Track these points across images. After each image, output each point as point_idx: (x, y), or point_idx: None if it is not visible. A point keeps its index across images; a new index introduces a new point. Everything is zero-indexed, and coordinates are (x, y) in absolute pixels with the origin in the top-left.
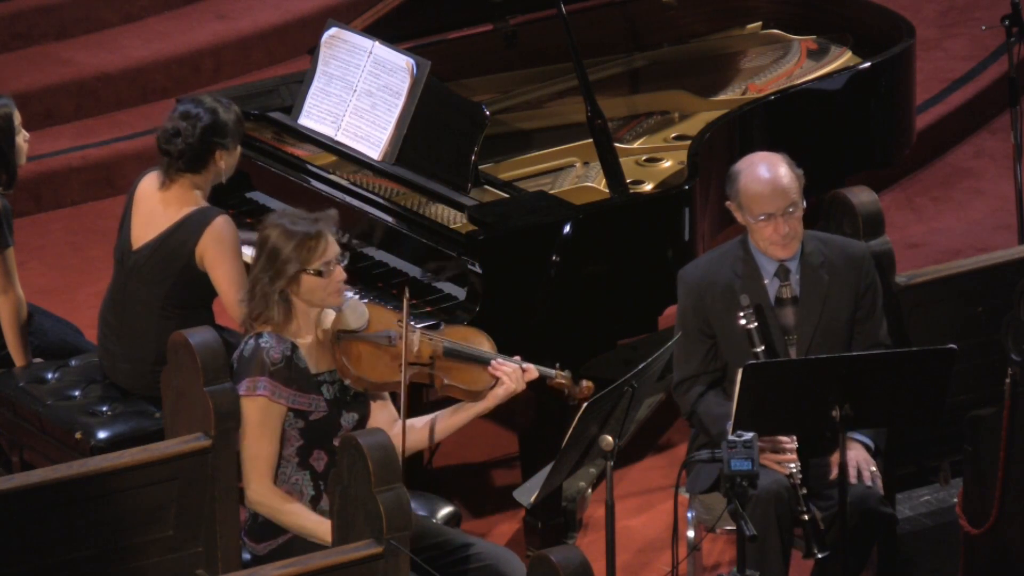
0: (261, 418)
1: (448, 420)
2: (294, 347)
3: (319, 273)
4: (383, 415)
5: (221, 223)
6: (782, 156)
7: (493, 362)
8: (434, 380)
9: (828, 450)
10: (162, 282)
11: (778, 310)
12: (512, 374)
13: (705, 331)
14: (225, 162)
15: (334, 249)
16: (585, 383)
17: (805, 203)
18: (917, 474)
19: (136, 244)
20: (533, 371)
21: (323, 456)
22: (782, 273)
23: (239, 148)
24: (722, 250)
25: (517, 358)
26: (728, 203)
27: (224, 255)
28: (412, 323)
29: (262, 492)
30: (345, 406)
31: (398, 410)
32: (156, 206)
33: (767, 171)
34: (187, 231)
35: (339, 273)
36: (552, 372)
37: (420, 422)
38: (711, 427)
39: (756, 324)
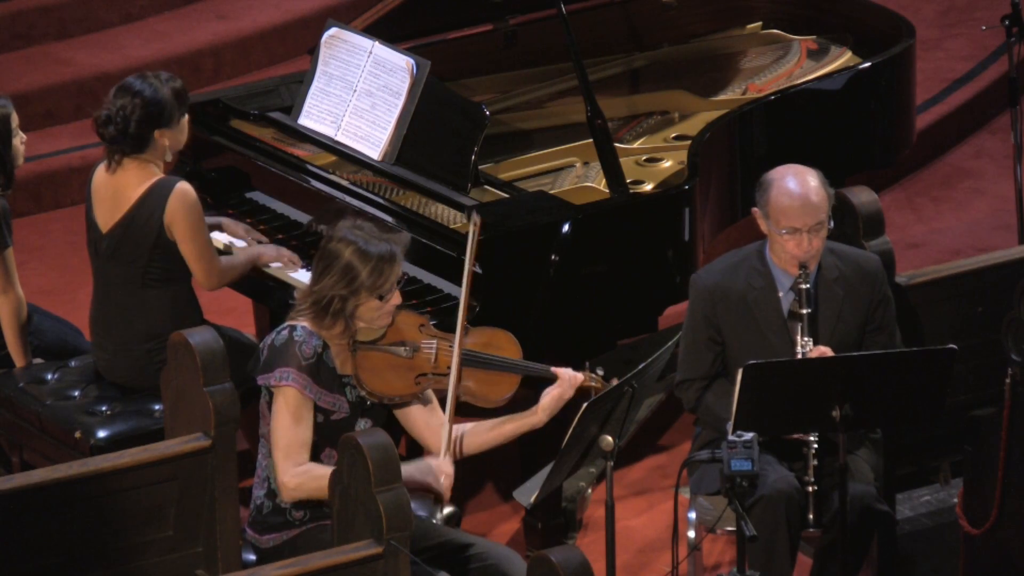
0: (293, 407)
1: (498, 429)
2: (325, 345)
3: (381, 297)
4: (434, 420)
5: (182, 191)
6: (816, 172)
7: (555, 369)
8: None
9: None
10: (138, 259)
11: (790, 324)
12: (569, 379)
13: (714, 338)
14: (168, 139)
15: (399, 273)
16: (615, 382)
17: (832, 223)
18: (917, 474)
19: (105, 228)
20: (579, 376)
21: (334, 455)
22: (797, 288)
23: (184, 121)
24: (737, 258)
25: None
26: (754, 210)
27: (190, 229)
28: (433, 328)
29: (297, 476)
30: (362, 412)
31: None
32: (113, 189)
33: (799, 186)
34: (152, 204)
35: (396, 298)
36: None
37: (478, 427)
38: (723, 412)
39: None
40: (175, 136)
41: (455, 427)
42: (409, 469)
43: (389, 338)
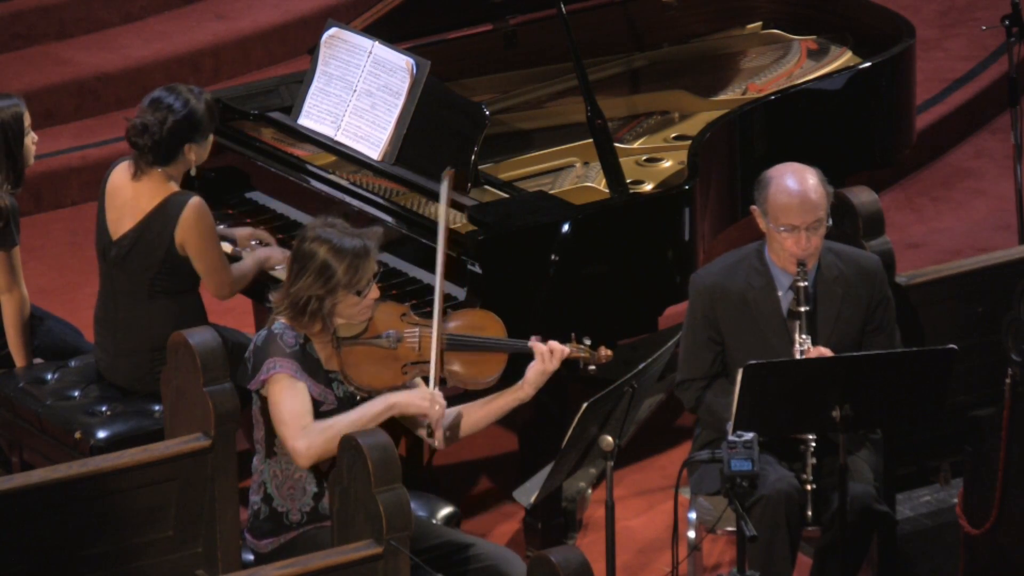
0: (287, 387)
1: (488, 406)
2: (307, 338)
3: (358, 293)
4: None
5: (194, 208)
6: (815, 170)
7: (531, 343)
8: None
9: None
10: (146, 270)
11: (790, 323)
12: (551, 353)
13: (714, 338)
14: (195, 154)
15: (374, 267)
16: (604, 351)
17: (831, 221)
18: (917, 474)
19: (115, 235)
20: (565, 349)
21: None
22: (795, 286)
23: (211, 137)
24: (736, 257)
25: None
26: (752, 208)
27: (202, 244)
28: (415, 315)
29: (304, 436)
30: (352, 407)
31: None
32: (130, 196)
33: (798, 183)
34: (164, 218)
35: (374, 291)
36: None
37: (468, 408)
38: (723, 412)
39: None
40: (201, 151)
41: (449, 410)
42: (399, 396)
43: (372, 330)
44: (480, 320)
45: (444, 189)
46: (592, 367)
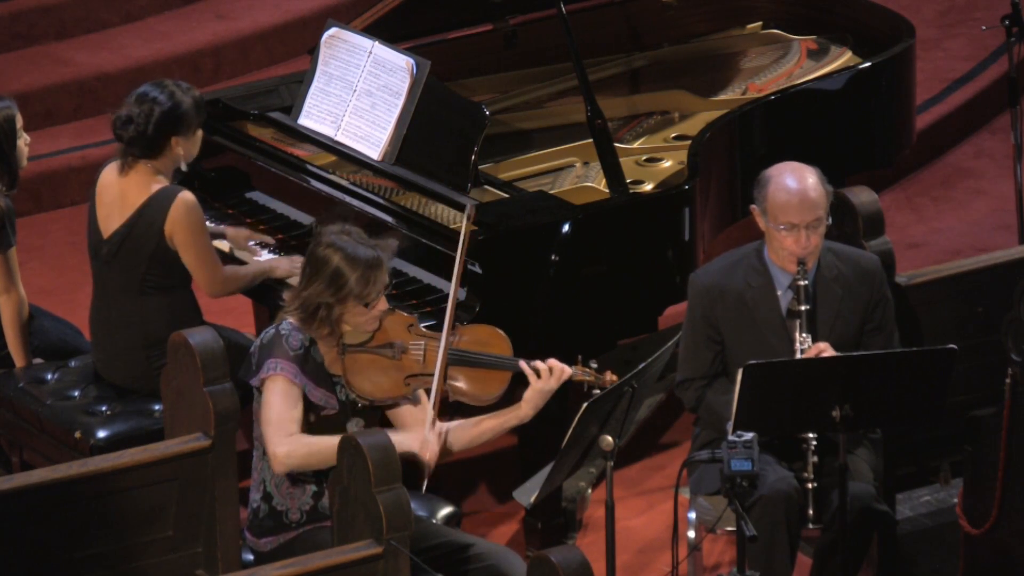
0: (283, 391)
1: (485, 424)
2: (312, 340)
3: (366, 304)
4: (421, 416)
5: (184, 200)
6: (814, 169)
7: (532, 363)
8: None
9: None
10: (137, 265)
11: (789, 322)
12: (550, 370)
13: (714, 338)
14: (183, 148)
15: (385, 279)
16: (609, 375)
17: (830, 219)
18: (917, 474)
19: (106, 233)
20: (568, 370)
21: None
22: (795, 285)
23: (199, 133)
24: (736, 257)
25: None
26: (752, 207)
27: (191, 237)
28: (423, 327)
29: (287, 443)
30: (354, 412)
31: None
32: (119, 192)
33: (797, 182)
34: (153, 212)
35: (382, 303)
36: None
37: (464, 424)
38: (724, 411)
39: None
40: (189, 146)
41: (442, 424)
42: (396, 439)
43: (378, 340)
44: (486, 336)
45: (464, 228)
46: (596, 391)
